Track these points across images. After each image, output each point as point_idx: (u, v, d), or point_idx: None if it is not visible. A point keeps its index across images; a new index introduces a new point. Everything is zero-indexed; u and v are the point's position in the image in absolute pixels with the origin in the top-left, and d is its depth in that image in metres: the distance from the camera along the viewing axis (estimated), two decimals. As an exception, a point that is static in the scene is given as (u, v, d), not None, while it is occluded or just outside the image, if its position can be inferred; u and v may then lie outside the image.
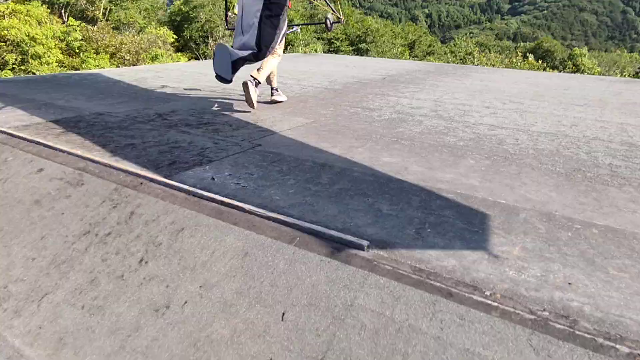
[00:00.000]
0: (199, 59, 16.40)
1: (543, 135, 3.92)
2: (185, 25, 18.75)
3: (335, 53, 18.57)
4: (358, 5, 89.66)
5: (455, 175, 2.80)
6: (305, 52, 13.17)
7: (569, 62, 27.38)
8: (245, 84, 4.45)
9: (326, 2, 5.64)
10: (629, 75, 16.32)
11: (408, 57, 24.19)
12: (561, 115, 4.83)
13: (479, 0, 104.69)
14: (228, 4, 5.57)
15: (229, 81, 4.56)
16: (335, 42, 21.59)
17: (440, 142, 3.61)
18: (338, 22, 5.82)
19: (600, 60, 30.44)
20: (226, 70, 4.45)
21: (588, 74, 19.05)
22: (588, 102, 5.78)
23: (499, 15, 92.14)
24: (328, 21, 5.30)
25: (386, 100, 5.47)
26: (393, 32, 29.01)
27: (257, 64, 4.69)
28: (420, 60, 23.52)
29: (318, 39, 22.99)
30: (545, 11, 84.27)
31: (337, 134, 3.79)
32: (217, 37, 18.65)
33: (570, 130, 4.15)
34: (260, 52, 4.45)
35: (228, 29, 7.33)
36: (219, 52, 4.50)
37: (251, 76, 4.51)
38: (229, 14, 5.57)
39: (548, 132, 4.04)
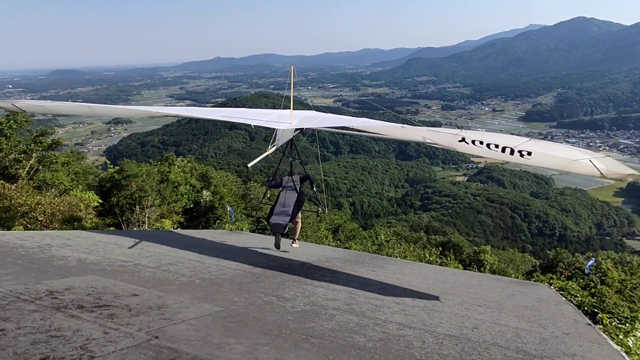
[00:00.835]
0: (120, 226, 15.94)
1: (448, 339, 4.03)
2: (114, 192, 18.77)
3: (262, 232, 19.13)
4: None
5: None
6: (231, 230, 13.43)
7: (475, 257, 30.33)
8: (277, 236, 7.69)
9: (314, 191, 8.84)
10: (522, 275, 18.29)
11: (331, 240, 25.48)
12: (464, 316, 5.10)
13: (396, 195, 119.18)
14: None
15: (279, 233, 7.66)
16: (263, 221, 22.46)
17: (350, 342, 3.55)
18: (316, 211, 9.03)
19: (499, 258, 34.22)
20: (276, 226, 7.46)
21: (491, 270, 21.03)
22: (487, 302, 6.24)
23: (412, 209, 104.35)
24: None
25: (302, 289, 5.49)
26: (319, 217, 31.14)
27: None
28: (343, 243, 24.78)
29: (247, 216, 23.83)
30: (450, 210, 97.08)
31: (246, 327, 3.62)
32: (147, 205, 18.65)
33: (472, 334, 4.33)
34: (290, 221, 7.56)
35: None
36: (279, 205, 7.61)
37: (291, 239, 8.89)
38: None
39: (452, 335, 4.18)
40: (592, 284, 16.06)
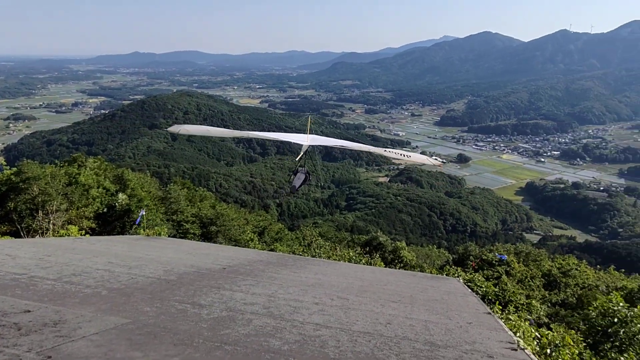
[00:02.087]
0: (19, 234, 14.37)
1: (362, 336, 4.18)
2: (12, 196, 16.87)
3: (184, 236, 18.34)
4: (214, 190, 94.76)
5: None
6: (147, 235, 12.69)
7: (394, 254, 31.86)
8: (293, 191, 12.57)
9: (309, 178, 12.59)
10: (435, 270, 19.57)
11: (257, 242, 25.22)
12: (379, 313, 5.33)
13: (322, 196, 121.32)
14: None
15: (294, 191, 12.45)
16: (184, 224, 21.57)
17: (265, 346, 3.53)
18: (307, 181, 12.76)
19: (417, 254, 36.32)
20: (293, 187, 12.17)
21: (408, 265, 22.22)
22: (401, 298, 6.58)
23: (338, 210, 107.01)
24: (303, 177, 12.36)
25: (220, 295, 5.35)
26: (245, 219, 30.64)
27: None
28: (269, 245, 24.65)
29: (168, 220, 22.74)
30: (374, 210, 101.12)
31: (155, 338, 3.43)
32: (52, 210, 17.05)
33: (385, 329, 4.54)
34: (299, 187, 12.52)
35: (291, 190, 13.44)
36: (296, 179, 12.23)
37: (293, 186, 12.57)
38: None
39: (366, 332, 4.34)
40: (496, 274, 17.70)
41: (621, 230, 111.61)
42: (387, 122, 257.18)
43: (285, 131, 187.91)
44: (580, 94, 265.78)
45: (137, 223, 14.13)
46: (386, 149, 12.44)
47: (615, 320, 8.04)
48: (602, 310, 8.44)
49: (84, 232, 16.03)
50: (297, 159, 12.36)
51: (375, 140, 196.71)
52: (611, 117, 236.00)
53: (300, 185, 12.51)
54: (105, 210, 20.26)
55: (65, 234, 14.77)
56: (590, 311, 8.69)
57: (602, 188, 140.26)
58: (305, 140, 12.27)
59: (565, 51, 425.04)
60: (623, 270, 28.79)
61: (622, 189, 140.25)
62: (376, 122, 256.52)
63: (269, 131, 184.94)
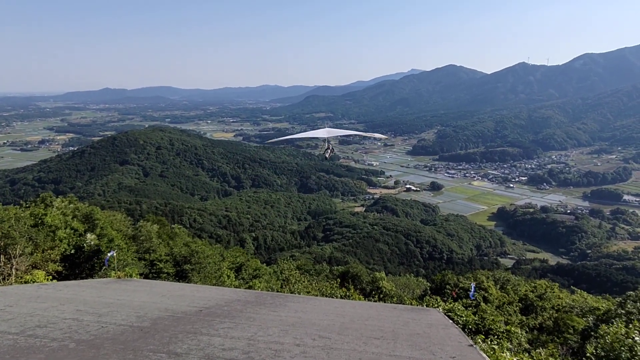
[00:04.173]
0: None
1: (346, 378, 4.07)
2: (-30, 239, 16.01)
3: (157, 276, 17.69)
4: (188, 225, 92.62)
5: None
6: (118, 277, 12.18)
7: (373, 285, 31.60)
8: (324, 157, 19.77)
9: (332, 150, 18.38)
10: (415, 301, 19.50)
11: (234, 280, 24.58)
12: (362, 352, 5.22)
13: (299, 228, 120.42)
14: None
15: (324, 158, 19.99)
16: (158, 263, 20.86)
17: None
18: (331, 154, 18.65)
19: (396, 283, 36.18)
20: (324, 156, 19.71)
21: (388, 296, 22.07)
22: (383, 334, 6.48)
23: (315, 241, 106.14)
24: (330, 150, 18.33)
25: (197, 341, 5.13)
26: (221, 255, 29.91)
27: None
28: (247, 282, 24.07)
29: (140, 259, 22.00)
30: (351, 240, 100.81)
31: (128, 395, 3.23)
32: (15, 254, 16.34)
33: (369, 369, 4.43)
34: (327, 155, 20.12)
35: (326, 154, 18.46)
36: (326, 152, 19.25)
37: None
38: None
39: (350, 373, 4.23)
40: (475, 302, 17.77)
41: (589, 251, 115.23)
42: (360, 153, 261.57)
43: (260, 163, 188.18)
44: (542, 121, 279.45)
45: (106, 263, 13.55)
46: (375, 134, 22.55)
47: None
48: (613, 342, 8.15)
49: (50, 277, 15.26)
50: (323, 142, 18.15)
51: (350, 171, 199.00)
52: (572, 143, 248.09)
53: (330, 154, 19.01)
54: (73, 251, 19.41)
55: (30, 280, 14.01)
56: (570, 336, 8.77)
57: (568, 211, 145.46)
58: (324, 134, 18.09)
59: (525, 82, 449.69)
60: (593, 291, 29.53)
61: (587, 211, 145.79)
62: (350, 152, 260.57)
63: (243, 164, 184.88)
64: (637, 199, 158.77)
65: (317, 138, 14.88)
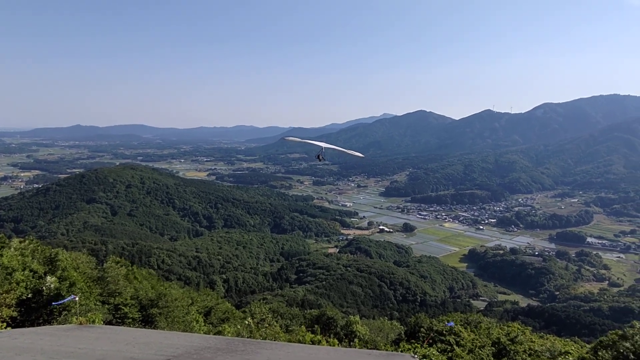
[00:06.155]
0: None
1: None
2: None
3: (121, 321, 16.79)
4: (156, 267, 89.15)
5: None
6: (80, 324, 11.51)
7: (347, 329, 30.92)
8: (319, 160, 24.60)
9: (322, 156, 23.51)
10: (390, 346, 19.19)
11: (202, 324, 23.61)
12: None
13: (271, 269, 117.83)
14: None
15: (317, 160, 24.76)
16: (122, 307, 19.86)
17: None
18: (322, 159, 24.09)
19: (370, 327, 35.53)
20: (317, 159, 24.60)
21: (362, 340, 21.65)
22: (359, 382, 6.34)
23: (288, 283, 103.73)
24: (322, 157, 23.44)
25: (165, 393, 4.88)
26: (190, 298, 28.81)
27: None
28: (216, 327, 23.16)
29: (103, 303, 20.93)
30: (324, 282, 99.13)
31: None
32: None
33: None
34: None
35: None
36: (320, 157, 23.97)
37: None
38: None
39: None
40: (449, 348, 17.64)
41: (558, 292, 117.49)
42: (334, 193, 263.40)
43: (233, 203, 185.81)
44: (508, 166, 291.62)
45: (57, 303, 12.76)
46: (356, 152, 24.89)
47: None
48: None
49: (4, 324, 14.28)
50: (319, 151, 22.84)
51: (323, 211, 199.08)
52: (536, 187, 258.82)
53: (322, 159, 23.96)
54: (30, 295, 18.31)
55: (-20, 327, 13.05)
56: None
57: (536, 253, 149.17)
58: (322, 144, 22.64)
59: (491, 128, 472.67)
60: (563, 333, 29.83)
61: (554, 253, 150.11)
62: (324, 193, 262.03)
63: (216, 203, 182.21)
64: (600, 242, 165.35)
65: (317, 146, 22.72)
